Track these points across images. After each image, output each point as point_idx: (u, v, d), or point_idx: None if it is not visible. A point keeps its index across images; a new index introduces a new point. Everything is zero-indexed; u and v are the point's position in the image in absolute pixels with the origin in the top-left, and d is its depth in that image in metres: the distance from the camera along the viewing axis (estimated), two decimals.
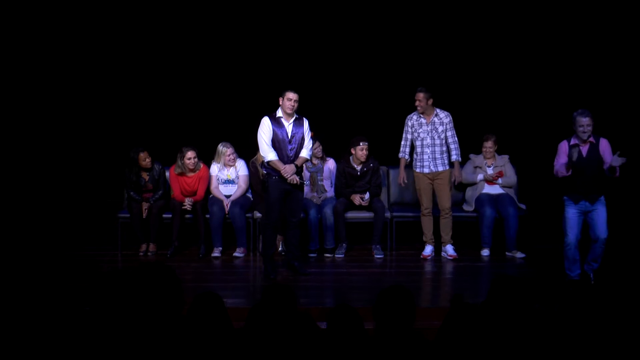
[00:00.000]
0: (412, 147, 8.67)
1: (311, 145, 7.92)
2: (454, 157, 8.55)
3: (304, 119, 7.84)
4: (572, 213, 7.45)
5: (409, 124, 8.57)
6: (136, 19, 10.07)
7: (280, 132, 7.69)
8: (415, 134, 8.53)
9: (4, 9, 9.78)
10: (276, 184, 7.69)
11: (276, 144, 7.71)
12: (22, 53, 10.00)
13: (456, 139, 8.55)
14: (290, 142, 7.73)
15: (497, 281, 4.15)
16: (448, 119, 8.48)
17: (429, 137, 8.46)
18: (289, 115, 7.72)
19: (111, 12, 10.03)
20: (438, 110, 8.49)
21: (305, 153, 7.82)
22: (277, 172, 7.67)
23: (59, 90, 10.22)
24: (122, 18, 10.05)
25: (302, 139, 7.79)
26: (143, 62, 10.23)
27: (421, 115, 8.47)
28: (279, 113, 7.72)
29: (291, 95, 7.66)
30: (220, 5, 10.11)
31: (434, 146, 8.46)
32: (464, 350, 3.78)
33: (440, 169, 8.50)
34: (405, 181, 8.66)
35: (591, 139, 7.34)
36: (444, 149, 8.50)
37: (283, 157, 7.70)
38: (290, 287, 4.69)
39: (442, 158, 8.50)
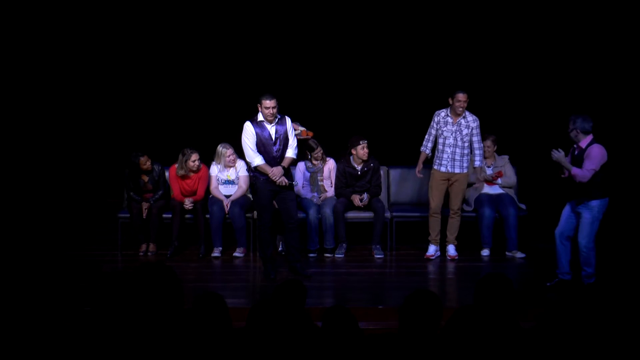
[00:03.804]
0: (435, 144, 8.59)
1: (296, 144, 7.88)
2: (477, 163, 8.53)
3: (286, 117, 7.78)
4: (565, 208, 7.49)
5: (436, 119, 8.47)
6: (137, 21, 10.07)
7: (263, 135, 7.67)
8: (440, 132, 8.44)
9: (4, 9, 9.78)
10: (265, 185, 7.68)
11: (261, 147, 7.67)
12: (22, 53, 10.01)
13: (482, 144, 8.51)
14: (274, 143, 7.70)
15: (483, 281, 4.15)
16: (475, 124, 8.41)
17: (452, 137, 8.39)
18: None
19: (112, 14, 10.03)
20: (467, 112, 8.40)
21: (290, 153, 7.78)
22: (265, 174, 7.67)
23: (60, 91, 10.22)
24: (122, 19, 10.06)
25: (287, 139, 7.76)
26: (142, 62, 10.23)
27: (449, 114, 8.42)
28: (260, 117, 7.69)
29: (268, 103, 7.56)
30: (220, 6, 10.11)
31: (455, 147, 8.40)
32: (462, 351, 3.79)
33: (457, 170, 8.45)
34: (422, 175, 8.59)
35: (581, 144, 7.30)
36: (465, 152, 8.42)
37: (269, 159, 7.67)
38: (302, 283, 4.73)
39: (461, 160, 8.43)
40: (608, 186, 7.29)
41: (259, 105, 7.63)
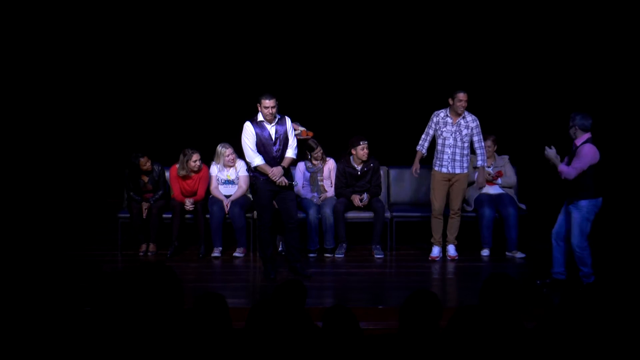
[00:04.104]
0: (431, 144, 8.57)
1: (296, 144, 7.88)
2: (479, 163, 8.51)
3: (286, 117, 7.77)
4: (562, 208, 7.53)
5: (434, 120, 8.45)
6: (137, 21, 10.07)
7: (263, 135, 7.66)
8: (439, 132, 8.42)
9: (4, 9, 9.78)
10: (265, 185, 7.68)
11: (261, 147, 7.66)
12: (22, 53, 10.01)
13: (483, 144, 8.49)
14: (274, 144, 7.69)
15: (489, 281, 4.15)
16: (475, 124, 8.40)
17: (451, 137, 8.37)
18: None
19: (112, 14, 10.03)
20: (466, 112, 8.38)
21: (290, 153, 7.78)
22: (265, 174, 7.67)
23: (60, 91, 10.22)
24: (122, 20, 10.06)
25: (286, 139, 7.76)
26: (142, 63, 10.23)
27: (448, 115, 8.40)
28: (260, 117, 7.68)
29: (267, 103, 7.55)
30: (220, 6, 10.11)
31: (455, 147, 8.38)
32: (467, 351, 3.79)
33: (458, 171, 8.43)
34: (418, 172, 8.58)
35: (577, 141, 7.31)
36: (465, 152, 8.40)
37: (269, 159, 7.66)
38: (302, 283, 4.73)
39: (461, 161, 8.41)
40: (600, 187, 7.30)
41: (258, 105, 7.62)
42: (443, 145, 8.41)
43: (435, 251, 8.61)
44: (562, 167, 7.22)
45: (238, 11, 10.13)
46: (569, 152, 7.41)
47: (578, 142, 7.28)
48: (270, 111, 7.57)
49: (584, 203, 7.26)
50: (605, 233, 8.48)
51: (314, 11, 10.07)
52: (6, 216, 9.43)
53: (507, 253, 8.69)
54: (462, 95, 8.28)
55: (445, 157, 8.41)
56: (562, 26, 9.89)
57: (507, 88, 10.08)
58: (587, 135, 7.27)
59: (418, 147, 8.62)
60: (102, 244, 9.07)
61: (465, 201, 8.88)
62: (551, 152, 7.29)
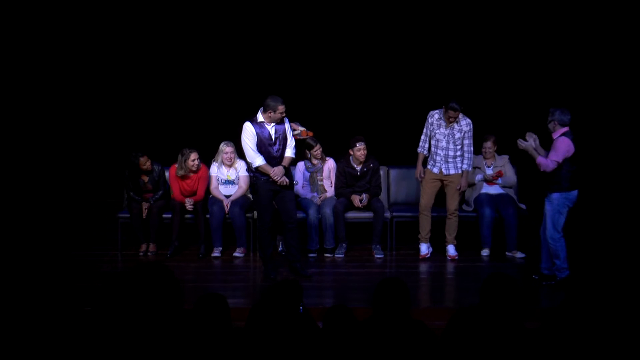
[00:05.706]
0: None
1: (294, 143, 7.90)
2: (464, 166, 8.52)
3: (284, 117, 7.82)
4: None
5: (430, 120, 8.48)
6: (137, 20, 10.07)
7: (263, 135, 7.67)
8: (433, 133, 8.45)
9: (4, 9, 9.78)
10: (265, 185, 7.69)
11: (261, 147, 7.68)
12: (22, 53, 10.01)
13: (472, 148, 8.51)
14: (274, 143, 7.71)
15: (489, 281, 4.16)
16: (468, 128, 8.42)
17: (444, 140, 8.40)
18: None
19: (112, 14, 10.03)
20: (461, 116, 8.41)
21: (289, 152, 7.79)
22: (266, 174, 7.68)
23: (59, 91, 10.22)
24: (122, 19, 10.05)
25: (285, 139, 7.77)
26: (142, 62, 10.23)
27: (442, 117, 8.40)
28: (260, 117, 7.69)
29: (283, 108, 7.59)
30: (220, 6, 10.11)
31: (447, 150, 8.41)
32: (467, 351, 3.79)
33: (452, 172, 8.46)
34: (423, 175, 8.57)
35: (554, 135, 7.41)
36: (458, 154, 8.44)
37: (270, 159, 7.67)
38: (298, 282, 4.71)
39: (454, 162, 8.45)
40: (576, 180, 7.39)
41: (270, 111, 7.57)
42: (436, 146, 8.45)
43: (423, 249, 8.62)
44: (540, 159, 7.36)
45: (238, 11, 10.13)
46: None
47: (555, 135, 7.41)
48: (284, 114, 7.61)
49: (555, 196, 7.40)
50: (593, 228, 8.54)
51: (314, 11, 10.07)
52: (6, 216, 9.43)
53: (507, 253, 8.70)
54: (451, 113, 8.29)
55: (438, 158, 8.45)
56: (561, 27, 9.89)
57: (507, 88, 10.08)
58: (564, 129, 7.36)
59: (419, 149, 8.61)
60: (102, 244, 9.07)
61: (465, 201, 8.89)
62: (527, 144, 7.41)
